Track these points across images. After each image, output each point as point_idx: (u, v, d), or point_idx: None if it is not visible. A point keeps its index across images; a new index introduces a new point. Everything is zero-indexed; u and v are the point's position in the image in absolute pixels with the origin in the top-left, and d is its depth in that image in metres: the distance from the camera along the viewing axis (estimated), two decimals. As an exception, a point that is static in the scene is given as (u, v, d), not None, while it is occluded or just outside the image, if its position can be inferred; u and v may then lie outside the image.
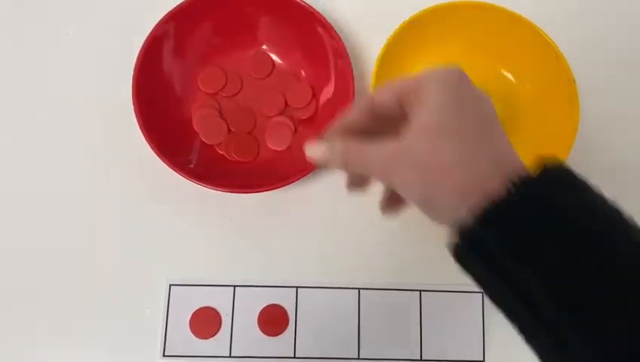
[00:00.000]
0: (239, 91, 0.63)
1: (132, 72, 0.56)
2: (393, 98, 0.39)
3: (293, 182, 0.55)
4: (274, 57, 0.64)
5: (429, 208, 0.36)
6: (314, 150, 0.42)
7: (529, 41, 0.60)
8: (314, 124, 0.62)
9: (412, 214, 0.59)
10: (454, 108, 0.36)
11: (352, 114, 0.42)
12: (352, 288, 0.57)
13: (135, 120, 0.55)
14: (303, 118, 0.62)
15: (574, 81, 0.59)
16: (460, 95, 0.36)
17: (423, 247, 0.59)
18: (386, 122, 0.41)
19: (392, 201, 0.45)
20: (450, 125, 0.35)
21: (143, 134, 0.55)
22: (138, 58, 0.57)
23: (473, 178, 0.33)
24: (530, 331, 0.33)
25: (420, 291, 0.58)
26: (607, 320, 0.29)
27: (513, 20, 0.60)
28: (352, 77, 0.58)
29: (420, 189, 0.35)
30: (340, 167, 0.41)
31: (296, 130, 0.62)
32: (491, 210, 0.32)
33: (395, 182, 0.37)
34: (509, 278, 0.32)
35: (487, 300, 0.56)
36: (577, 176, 0.33)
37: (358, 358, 0.56)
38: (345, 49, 0.58)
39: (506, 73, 0.64)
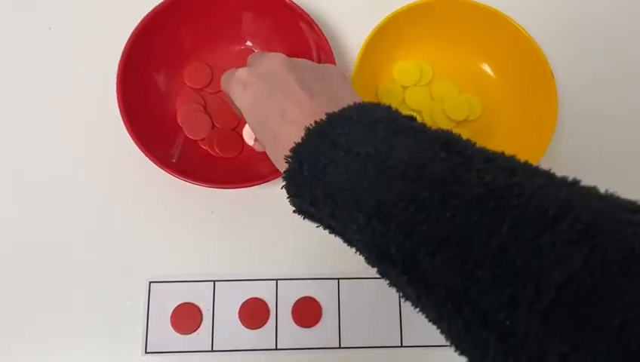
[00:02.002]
0: None
1: (116, 67, 0.58)
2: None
3: (275, 178, 0.58)
4: None
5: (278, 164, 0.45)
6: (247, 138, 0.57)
7: (508, 36, 0.64)
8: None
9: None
10: (256, 102, 0.46)
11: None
12: (332, 278, 0.61)
13: (118, 113, 0.57)
14: (286, 114, 0.65)
15: (553, 75, 0.62)
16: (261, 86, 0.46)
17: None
18: None
19: None
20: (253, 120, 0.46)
21: (126, 127, 0.57)
22: (123, 53, 0.59)
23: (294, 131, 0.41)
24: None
25: (399, 278, 0.61)
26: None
27: (492, 16, 0.64)
28: None
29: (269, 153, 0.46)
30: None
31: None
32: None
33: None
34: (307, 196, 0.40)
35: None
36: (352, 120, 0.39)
37: (340, 347, 0.59)
38: (326, 41, 0.61)
39: (485, 68, 0.68)
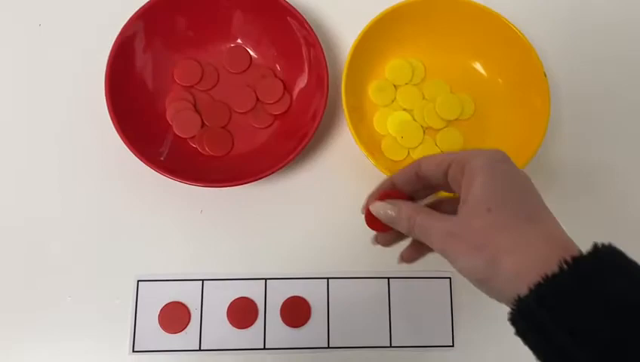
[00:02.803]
0: (215, 85, 0.67)
1: (105, 64, 0.59)
2: (439, 170, 0.44)
3: (264, 176, 0.58)
4: (251, 52, 0.68)
5: (486, 288, 0.39)
6: (379, 208, 0.46)
7: (500, 35, 0.65)
8: (289, 118, 0.66)
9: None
10: (502, 188, 0.40)
11: (399, 175, 0.47)
12: (321, 278, 0.61)
13: (107, 110, 0.58)
14: (276, 113, 0.66)
15: (545, 75, 0.63)
16: (506, 174, 0.40)
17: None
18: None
19: (413, 253, 0.49)
20: (500, 206, 0.39)
21: (114, 125, 0.57)
22: (111, 50, 0.60)
23: (529, 262, 0.36)
24: None
25: (389, 278, 0.61)
26: None
27: (485, 14, 0.64)
28: (326, 66, 0.61)
29: (478, 272, 0.39)
30: (405, 229, 0.45)
31: (271, 125, 0.66)
32: (545, 289, 0.35)
33: (451, 258, 0.40)
34: (562, 353, 0.34)
35: (454, 285, 0.61)
36: (629, 258, 0.36)
37: (328, 347, 0.59)
38: (316, 37, 0.62)
39: (477, 67, 0.68)
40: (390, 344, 0.60)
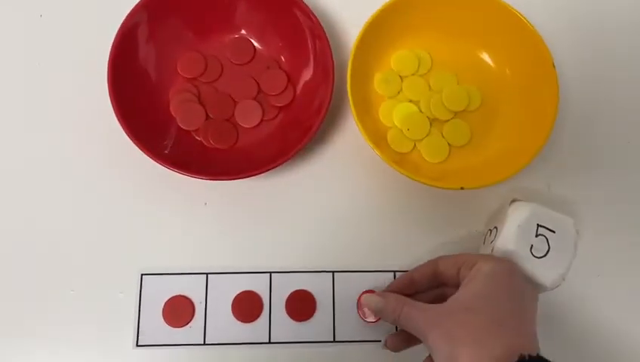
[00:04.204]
0: (219, 77, 0.67)
1: (107, 56, 0.59)
2: (454, 268, 0.52)
3: (269, 169, 0.59)
4: (255, 43, 0.68)
5: None
6: (370, 299, 0.55)
7: (508, 26, 0.65)
8: (294, 110, 0.66)
9: (383, 202, 0.65)
10: (491, 295, 0.47)
11: (417, 271, 0.56)
12: (326, 271, 0.61)
13: (109, 102, 0.58)
14: (280, 105, 0.66)
15: (554, 65, 0.63)
16: (504, 285, 0.48)
17: (396, 230, 0.64)
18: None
19: (400, 342, 0.56)
20: (480, 308, 0.46)
21: (117, 118, 0.58)
22: (114, 42, 0.60)
23: (485, 358, 0.42)
24: None
25: (395, 271, 0.61)
26: None
27: (493, 4, 0.64)
28: (332, 58, 0.61)
29: (443, 358, 0.45)
30: (391, 319, 0.52)
31: (275, 117, 0.66)
32: None
33: (429, 344, 0.46)
34: None
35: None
36: None
37: (334, 341, 0.60)
38: (322, 29, 0.62)
39: (485, 58, 0.68)
40: (397, 338, 0.60)
